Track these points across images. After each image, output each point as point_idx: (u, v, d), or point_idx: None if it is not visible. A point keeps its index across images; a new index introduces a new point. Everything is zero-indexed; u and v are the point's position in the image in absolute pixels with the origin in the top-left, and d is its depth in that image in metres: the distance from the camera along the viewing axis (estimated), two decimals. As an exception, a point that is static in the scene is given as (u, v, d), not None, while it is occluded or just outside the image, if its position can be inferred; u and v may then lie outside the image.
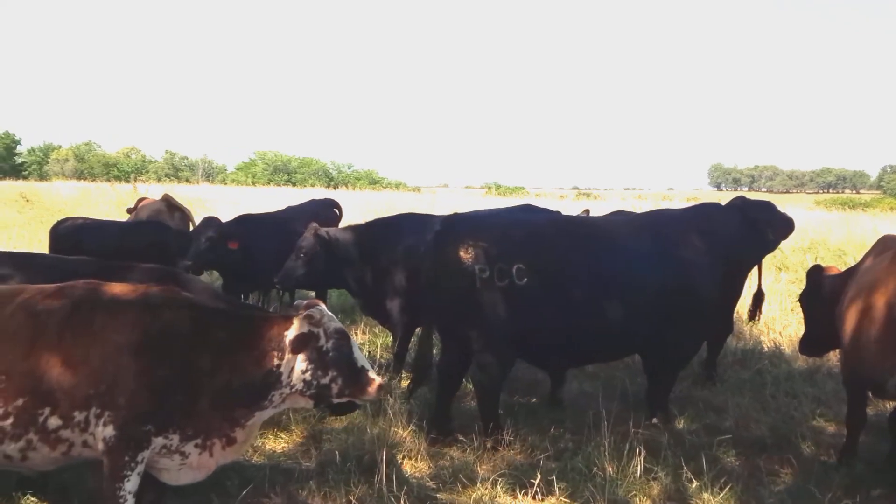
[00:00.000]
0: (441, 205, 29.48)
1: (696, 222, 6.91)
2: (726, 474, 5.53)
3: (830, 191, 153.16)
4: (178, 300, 4.32)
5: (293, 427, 6.55)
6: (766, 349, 9.08)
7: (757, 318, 8.27)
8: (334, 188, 55.89)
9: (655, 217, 7.09)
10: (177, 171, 77.76)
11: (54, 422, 4.02)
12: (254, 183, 65.59)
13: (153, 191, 30.50)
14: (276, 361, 4.29)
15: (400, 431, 6.52)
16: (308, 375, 4.33)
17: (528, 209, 8.28)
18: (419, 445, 6.29)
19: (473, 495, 5.41)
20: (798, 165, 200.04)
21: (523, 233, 6.51)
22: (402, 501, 5.03)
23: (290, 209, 11.47)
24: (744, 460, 6.07)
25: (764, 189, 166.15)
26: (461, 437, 6.45)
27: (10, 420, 3.98)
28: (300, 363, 4.31)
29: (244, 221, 10.16)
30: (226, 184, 64.66)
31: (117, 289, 4.29)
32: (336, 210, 11.84)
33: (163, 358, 4.12)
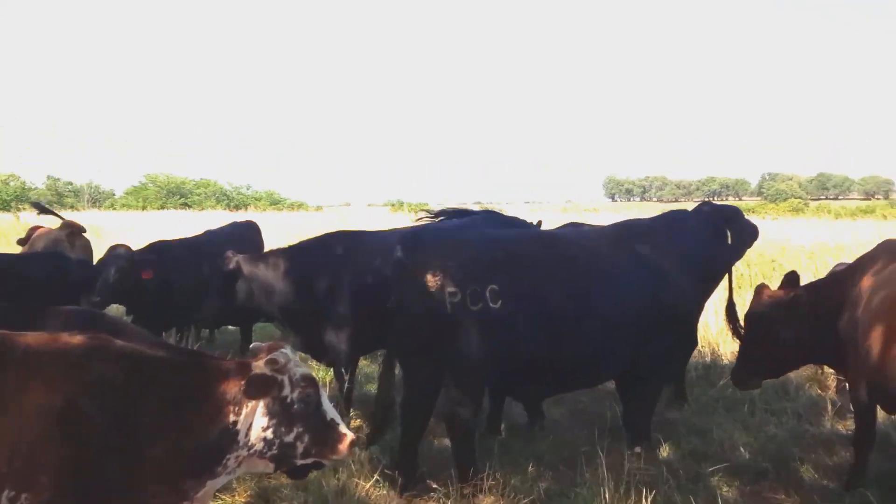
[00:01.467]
0: (352, 223, 28.65)
1: (670, 232, 6.50)
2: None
3: (715, 198, 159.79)
4: (107, 349, 3.56)
5: (234, 486, 5.67)
6: (727, 362, 8.73)
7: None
8: (234, 209, 54.28)
9: (629, 229, 6.58)
10: (61, 197, 73.43)
11: None
12: (144, 207, 63.21)
13: (34, 220, 28.53)
14: (231, 418, 3.58)
15: (363, 483, 5.77)
16: (269, 433, 3.62)
17: (491, 219, 7.64)
18: (389, 499, 5.55)
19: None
20: (685, 175, 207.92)
21: (496, 250, 5.91)
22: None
23: (208, 234, 10.47)
24: (745, 491, 5.60)
25: (655, 199, 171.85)
26: (434, 485, 5.75)
27: None
28: (260, 418, 3.61)
29: (158, 250, 9.12)
30: (115, 209, 61.80)
31: (31, 339, 3.50)
32: (257, 232, 10.90)
33: (93, 423, 3.36)
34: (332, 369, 7.89)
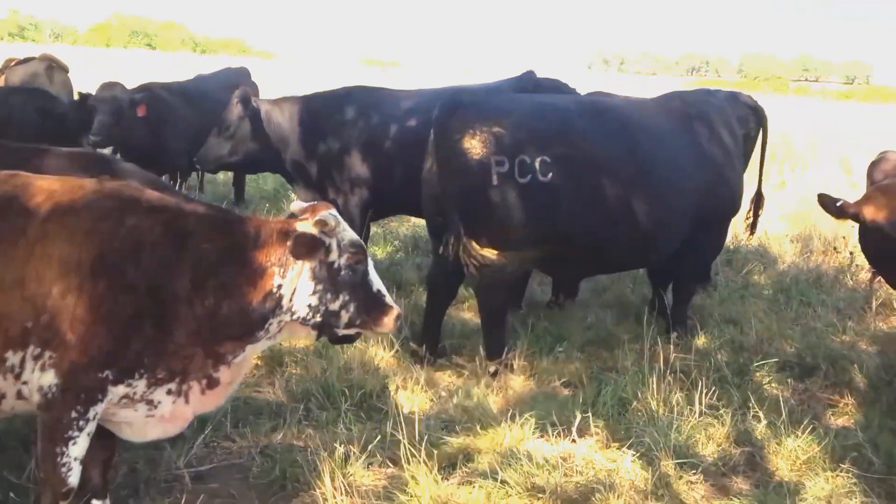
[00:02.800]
0: (332, 76, 27.41)
1: (719, 115, 6.04)
2: (788, 409, 4.71)
3: (694, 73, 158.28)
4: (141, 199, 3.24)
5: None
6: (750, 248, 8.40)
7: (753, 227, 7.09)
8: (201, 54, 52.37)
9: (685, 105, 6.00)
10: (21, 30, 69.81)
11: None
12: (108, 45, 60.76)
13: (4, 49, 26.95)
14: (275, 280, 3.31)
15: (383, 354, 5.46)
16: (315, 299, 3.37)
17: (531, 82, 7.01)
18: (412, 373, 5.23)
19: (497, 439, 4.43)
20: (665, 50, 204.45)
21: (548, 118, 5.37)
22: (415, 450, 3.98)
23: (200, 78, 9.68)
24: (796, 388, 5.34)
25: (632, 71, 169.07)
26: (459, 360, 5.46)
27: None
28: (306, 283, 3.35)
29: (150, 90, 8.34)
30: (76, 45, 59.10)
31: (56, 184, 3.17)
32: (249, 79, 10.09)
33: (127, 279, 3.09)
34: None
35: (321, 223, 3.32)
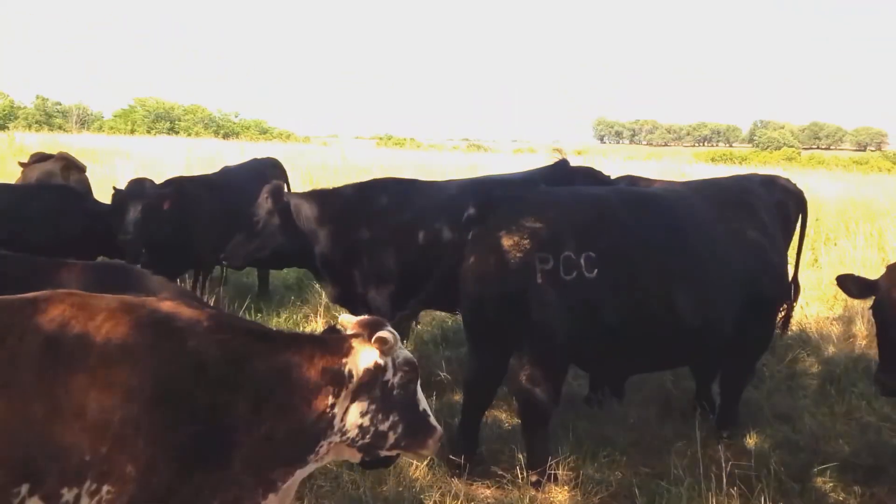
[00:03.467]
0: (352, 155, 27.62)
1: (757, 201, 5.89)
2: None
3: (706, 144, 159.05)
4: (202, 320, 3.10)
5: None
6: (791, 332, 8.11)
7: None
8: (223, 137, 53.26)
9: (722, 192, 5.89)
10: (49, 117, 71.44)
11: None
12: (133, 131, 62.00)
13: (26, 140, 27.42)
14: (329, 400, 3.20)
15: (416, 463, 5.17)
16: (366, 420, 3.27)
17: (565, 171, 6.89)
18: (450, 487, 4.95)
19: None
20: (676, 120, 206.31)
21: (591, 211, 5.22)
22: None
23: (227, 170, 9.63)
24: (860, 495, 5.00)
25: (644, 142, 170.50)
26: (498, 470, 5.16)
27: None
28: (359, 403, 3.25)
29: (176, 184, 8.29)
30: (103, 132, 60.40)
31: (114, 303, 3.03)
32: (280, 171, 10.06)
33: (189, 406, 2.95)
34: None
35: (381, 341, 3.21)
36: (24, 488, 2.77)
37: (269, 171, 9.71)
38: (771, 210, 5.88)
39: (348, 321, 3.45)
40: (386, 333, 3.23)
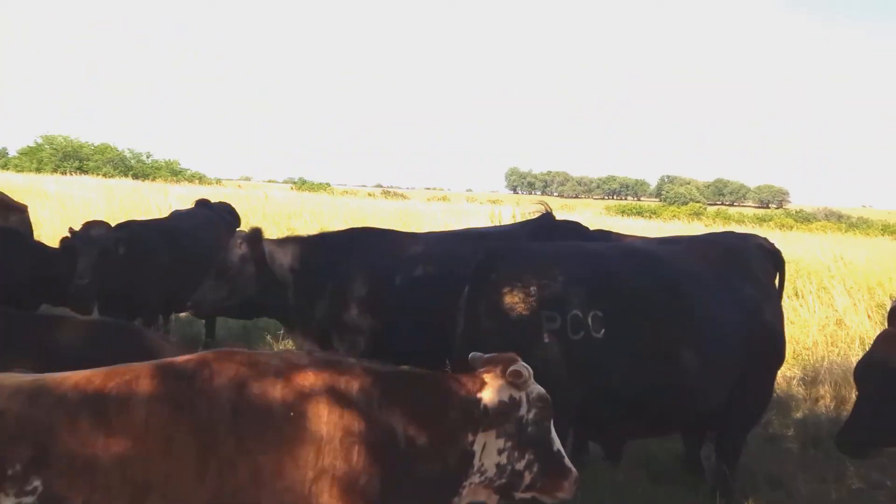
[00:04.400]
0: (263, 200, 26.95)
1: (751, 258, 5.86)
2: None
3: (615, 197, 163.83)
4: (357, 366, 3.16)
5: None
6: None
7: None
8: (134, 178, 51.65)
9: (716, 248, 5.83)
10: (-50, 156, 68.18)
11: None
12: (39, 170, 59.52)
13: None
14: (469, 438, 3.19)
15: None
16: (504, 458, 3.23)
17: (549, 225, 6.75)
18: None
19: None
20: (587, 172, 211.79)
21: (595, 267, 5.07)
22: None
23: (177, 215, 9.16)
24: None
25: (556, 194, 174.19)
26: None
27: None
28: (494, 440, 3.21)
29: (131, 229, 7.81)
30: (8, 170, 57.78)
31: (275, 360, 3.05)
32: (235, 217, 9.64)
33: (370, 451, 2.96)
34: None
35: (515, 374, 3.20)
36: None
37: (225, 216, 9.30)
38: (765, 267, 5.85)
39: (477, 358, 3.41)
40: (520, 367, 3.21)
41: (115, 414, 2.70)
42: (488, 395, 3.19)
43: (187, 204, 23.58)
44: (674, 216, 62.27)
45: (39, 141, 75.27)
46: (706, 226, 33.07)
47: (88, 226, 7.35)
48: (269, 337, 9.36)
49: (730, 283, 5.49)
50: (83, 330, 3.83)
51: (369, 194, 62.61)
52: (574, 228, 6.88)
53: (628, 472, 6.12)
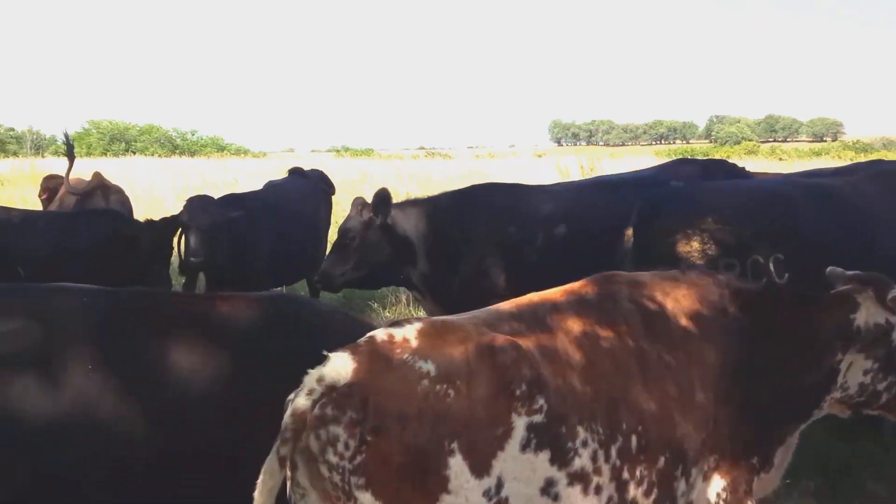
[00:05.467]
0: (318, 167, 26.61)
1: None
2: None
3: (663, 142, 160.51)
4: (722, 281, 3.26)
5: None
6: None
7: None
8: (180, 156, 52.05)
9: (877, 174, 5.28)
10: (2, 143, 69.02)
11: (681, 486, 2.93)
12: (89, 154, 60.41)
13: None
14: (838, 356, 3.25)
15: None
16: (868, 378, 3.29)
17: (699, 165, 6.28)
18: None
19: None
20: (632, 119, 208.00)
21: (771, 207, 4.58)
22: None
23: (272, 185, 8.81)
24: None
25: (601, 143, 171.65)
26: None
27: (653, 496, 2.86)
28: (864, 361, 3.27)
29: (232, 203, 7.50)
30: (58, 156, 58.76)
31: (645, 276, 3.22)
32: (330, 185, 9.29)
33: (754, 366, 3.10)
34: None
35: (895, 301, 3.16)
36: (679, 471, 2.87)
37: (320, 184, 8.96)
38: None
39: (837, 274, 3.39)
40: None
41: (568, 336, 2.86)
42: (862, 317, 3.21)
43: (248, 177, 23.68)
44: (728, 156, 60.83)
45: (87, 126, 76.32)
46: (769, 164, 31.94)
47: (195, 201, 7.03)
48: (374, 304, 9.08)
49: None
50: (252, 307, 3.48)
51: (414, 156, 62.14)
52: (722, 167, 6.36)
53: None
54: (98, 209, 8.20)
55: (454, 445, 2.50)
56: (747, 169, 6.58)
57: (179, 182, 22.94)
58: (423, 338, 2.63)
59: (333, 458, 2.46)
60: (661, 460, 2.83)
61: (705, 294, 3.11)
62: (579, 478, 2.69)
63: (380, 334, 2.66)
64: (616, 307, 3.00)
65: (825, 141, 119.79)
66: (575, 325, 2.90)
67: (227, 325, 3.36)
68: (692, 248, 4.41)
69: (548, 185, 6.81)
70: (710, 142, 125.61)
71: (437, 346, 2.61)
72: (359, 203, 6.26)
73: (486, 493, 2.55)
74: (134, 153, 62.02)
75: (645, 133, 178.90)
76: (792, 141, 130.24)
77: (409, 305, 8.89)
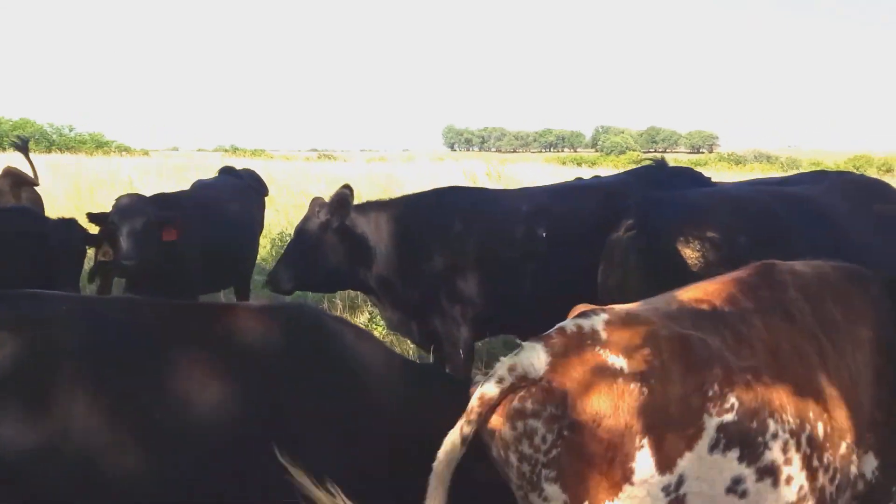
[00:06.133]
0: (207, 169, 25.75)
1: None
2: None
3: (552, 150, 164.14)
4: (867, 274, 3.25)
5: None
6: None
7: None
8: (60, 152, 49.43)
9: (851, 184, 5.38)
10: None
11: (854, 470, 2.91)
12: (-43, 148, 56.54)
13: None
14: None
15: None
16: None
17: (664, 172, 6.19)
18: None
19: None
20: (523, 127, 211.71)
21: (769, 214, 4.62)
22: None
23: (203, 185, 8.19)
24: None
25: (493, 149, 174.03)
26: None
27: (837, 481, 2.84)
28: None
29: (163, 203, 6.89)
30: (-79, 151, 54.46)
31: (802, 266, 3.19)
32: (262, 185, 8.75)
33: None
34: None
35: None
36: (855, 456, 2.86)
37: (253, 184, 8.43)
38: None
39: None
40: None
41: (750, 326, 2.84)
42: None
43: (142, 175, 22.45)
44: (614, 165, 62.75)
45: (-49, 117, 71.37)
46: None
47: (126, 200, 6.39)
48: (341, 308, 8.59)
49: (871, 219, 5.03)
50: (259, 318, 3.10)
51: (306, 159, 60.99)
52: (690, 175, 6.31)
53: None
54: (6, 206, 7.41)
55: (644, 441, 2.54)
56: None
57: (66, 181, 21.53)
58: (612, 331, 2.65)
59: (528, 450, 2.54)
60: (843, 445, 2.84)
61: (852, 280, 3.12)
62: (769, 472, 2.69)
63: (569, 326, 2.69)
64: (785, 296, 2.99)
65: (702, 153, 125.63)
66: (754, 315, 2.90)
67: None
68: (693, 255, 4.30)
69: (514, 190, 6.61)
70: (597, 151, 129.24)
71: (628, 341, 2.63)
72: (317, 203, 5.91)
73: (666, 489, 2.58)
74: (4, 149, 58.43)
75: (535, 141, 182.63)
76: (671, 152, 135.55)
77: (344, 311, 8.47)
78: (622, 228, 4.55)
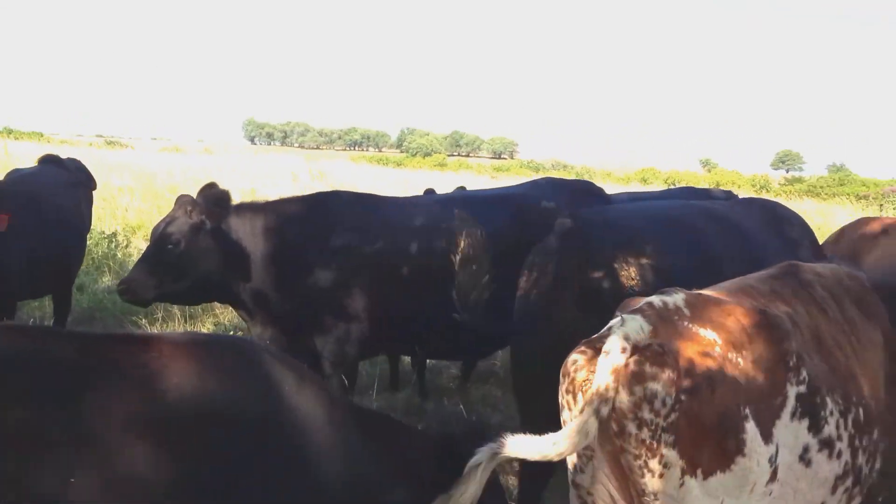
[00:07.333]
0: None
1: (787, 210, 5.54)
2: None
3: (357, 148, 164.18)
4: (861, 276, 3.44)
5: None
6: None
7: None
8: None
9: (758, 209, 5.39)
10: None
11: (880, 459, 3.07)
12: None
13: None
14: None
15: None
16: None
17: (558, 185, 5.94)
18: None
19: None
20: (328, 124, 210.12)
21: (691, 231, 4.58)
22: None
23: (21, 175, 6.92)
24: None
25: (296, 144, 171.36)
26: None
27: (870, 465, 3.01)
28: None
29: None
30: None
31: (821, 268, 3.31)
32: (88, 177, 7.58)
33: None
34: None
35: None
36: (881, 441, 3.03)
37: (78, 174, 7.31)
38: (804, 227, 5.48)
39: None
40: None
41: (797, 316, 2.94)
42: None
43: None
44: (420, 167, 63.70)
45: None
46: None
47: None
48: (140, 319, 7.66)
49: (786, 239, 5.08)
50: (185, 352, 2.48)
51: (90, 144, 56.53)
52: (590, 189, 6.10)
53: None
54: None
55: (747, 411, 2.60)
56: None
57: None
58: (692, 308, 2.72)
59: (648, 415, 2.51)
60: (876, 431, 2.99)
61: (864, 285, 3.27)
62: (827, 444, 2.83)
63: (656, 301, 2.74)
64: (815, 293, 3.10)
65: (504, 158, 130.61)
66: (797, 304, 3.01)
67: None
68: (629, 274, 4.08)
69: (407, 198, 6.12)
70: (402, 152, 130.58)
71: (711, 316, 2.70)
72: (185, 202, 5.13)
73: (770, 460, 2.65)
74: None
75: (340, 138, 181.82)
76: (474, 156, 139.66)
77: (185, 322, 7.62)
78: (556, 242, 4.25)
